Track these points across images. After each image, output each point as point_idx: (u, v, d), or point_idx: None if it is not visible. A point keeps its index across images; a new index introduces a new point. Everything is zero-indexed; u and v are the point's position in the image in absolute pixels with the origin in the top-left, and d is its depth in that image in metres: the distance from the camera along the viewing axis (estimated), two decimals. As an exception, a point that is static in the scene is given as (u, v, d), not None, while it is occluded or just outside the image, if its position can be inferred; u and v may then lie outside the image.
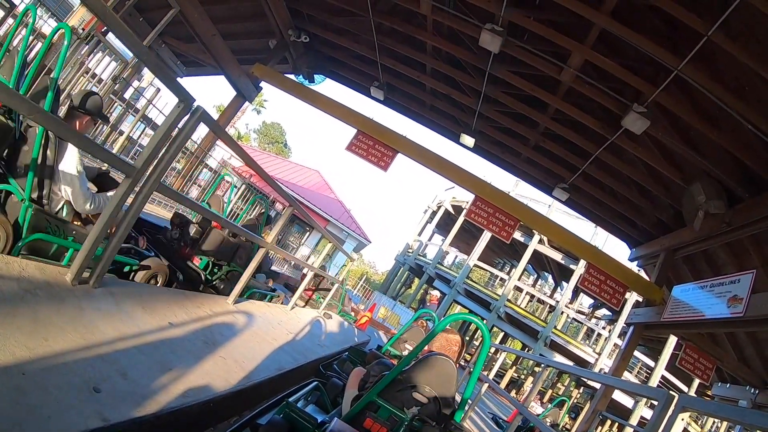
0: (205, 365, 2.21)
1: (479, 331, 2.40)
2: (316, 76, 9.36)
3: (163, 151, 2.30)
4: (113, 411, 1.51)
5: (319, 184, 21.54)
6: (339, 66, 9.30)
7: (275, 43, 8.37)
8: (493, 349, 7.51)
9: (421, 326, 4.96)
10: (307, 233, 19.99)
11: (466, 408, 4.96)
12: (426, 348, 2.33)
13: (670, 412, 1.85)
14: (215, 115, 9.51)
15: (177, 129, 2.34)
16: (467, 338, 26.43)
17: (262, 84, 8.64)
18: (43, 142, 2.29)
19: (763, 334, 6.75)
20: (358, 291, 26.05)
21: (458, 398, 2.22)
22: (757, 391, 7.61)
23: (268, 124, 46.96)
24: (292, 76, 9.14)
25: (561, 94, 6.33)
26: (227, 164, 15.74)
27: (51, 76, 2.29)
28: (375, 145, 7.42)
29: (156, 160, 2.27)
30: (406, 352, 4.48)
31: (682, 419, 1.82)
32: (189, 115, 2.29)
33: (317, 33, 8.21)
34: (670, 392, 1.89)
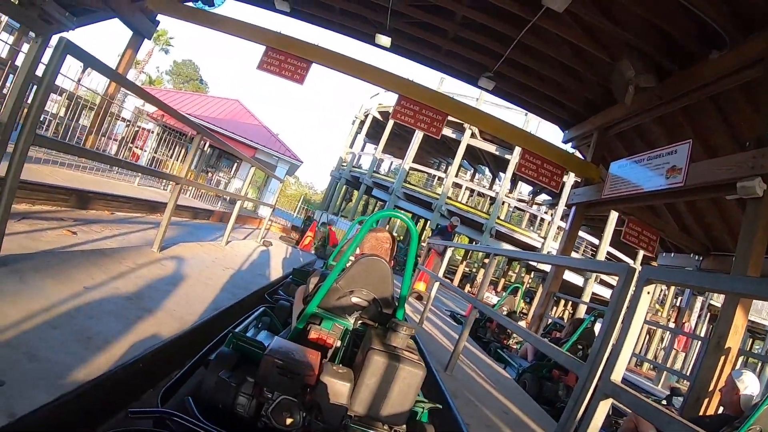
0: (130, 324, 2.01)
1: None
2: (214, -3, 8.25)
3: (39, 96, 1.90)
4: (22, 401, 1.26)
5: (240, 113, 20.13)
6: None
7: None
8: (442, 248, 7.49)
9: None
10: (235, 165, 18.95)
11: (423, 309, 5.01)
12: (358, 251, 2.31)
13: (633, 287, 1.79)
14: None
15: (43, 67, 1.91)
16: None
17: (160, 17, 7.81)
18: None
19: (702, 203, 6.97)
20: (298, 213, 25.01)
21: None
22: (701, 258, 8.08)
23: (179, 63, 44.11)
24: (190, 3, 8.12)
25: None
26: (142, 112, 14.00)
27: None
28: (287, 59, 7.03)
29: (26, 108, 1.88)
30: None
31: (648, 292, 1.76)
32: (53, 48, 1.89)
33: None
34: (631, 265, 1.83)
